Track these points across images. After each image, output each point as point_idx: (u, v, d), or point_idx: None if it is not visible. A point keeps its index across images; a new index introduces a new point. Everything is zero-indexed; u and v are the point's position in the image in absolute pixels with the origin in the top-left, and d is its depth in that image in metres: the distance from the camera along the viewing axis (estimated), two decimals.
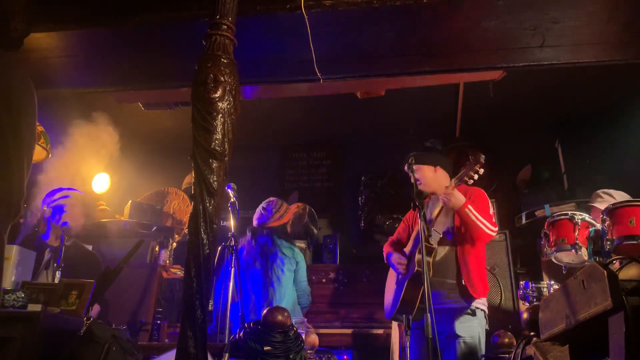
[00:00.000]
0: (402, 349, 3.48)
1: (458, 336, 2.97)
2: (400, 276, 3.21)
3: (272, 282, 3.63)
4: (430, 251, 3.01)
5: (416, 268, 2.98)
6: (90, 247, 3.76)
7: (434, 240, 3.10)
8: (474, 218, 3.00)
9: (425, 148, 3.38)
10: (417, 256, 3.02)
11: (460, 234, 3.14)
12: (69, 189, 3.52)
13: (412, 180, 3.08)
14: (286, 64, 3.03)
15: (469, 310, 3.03)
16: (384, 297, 3.36)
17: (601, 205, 3.26)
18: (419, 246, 3.03)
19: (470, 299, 3.04)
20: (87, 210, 3.59)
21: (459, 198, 3.01)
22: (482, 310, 3.09)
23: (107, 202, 4.94)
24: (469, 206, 3.00)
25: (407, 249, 3.29)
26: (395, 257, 3.24)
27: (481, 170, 3.03)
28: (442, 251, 3.13)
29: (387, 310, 3.27)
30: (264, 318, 2.87)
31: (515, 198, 5.27)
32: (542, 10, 2.59)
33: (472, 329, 3.01)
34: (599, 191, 3.57)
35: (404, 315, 2.97)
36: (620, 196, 3.39)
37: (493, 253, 4.31)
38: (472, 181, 3.07)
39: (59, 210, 3.37)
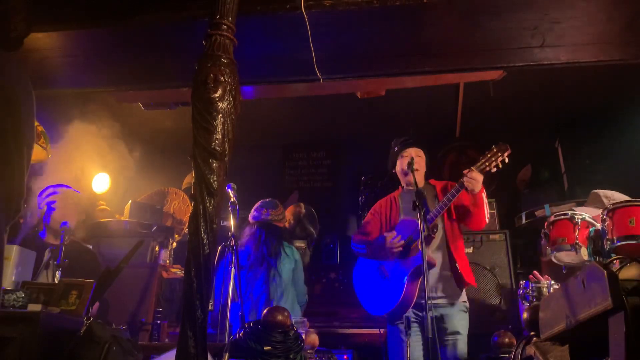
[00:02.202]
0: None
1: (459, 333, 2.99)
2: (389, 270, 3.17)
3: (275, 281, 3.64)
4: (428, 240, 3.01)
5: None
6: (90, 247, 3.75)
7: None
8: (485, 203, 3.07)
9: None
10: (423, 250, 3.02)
11: (450, 223, 3.18)
12: (59, 185, 3.50)
13: (412, 179, 3.08)
14: (286, 64, 3.03)
15: (464, 308, 3.07)
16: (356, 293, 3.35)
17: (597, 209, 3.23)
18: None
19: (463, 286, 3.08)
20: (78, 207, 3.53)
21: (480, 181, 3.01)
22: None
23: (107, 202, 4.94)
24: (484, 191, 3.06)
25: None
26: (390, 237, 3.13)
27: (507, 160, 3.02)
28: (433, 243, 3.13)
29: (376, 306, 3.19)
30: (264, 318, 2.86)
31: (515, 198, 5.27)
32: (542, 10, 2.59)
33: (466, 326, 3.07)
34: (597, 191, 3.55)
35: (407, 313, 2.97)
36: (614, 196, 3.38)
37: (493, 253, 4.31)
38: (495, 170, 3.04)
39: (48, 207, 3.36)
